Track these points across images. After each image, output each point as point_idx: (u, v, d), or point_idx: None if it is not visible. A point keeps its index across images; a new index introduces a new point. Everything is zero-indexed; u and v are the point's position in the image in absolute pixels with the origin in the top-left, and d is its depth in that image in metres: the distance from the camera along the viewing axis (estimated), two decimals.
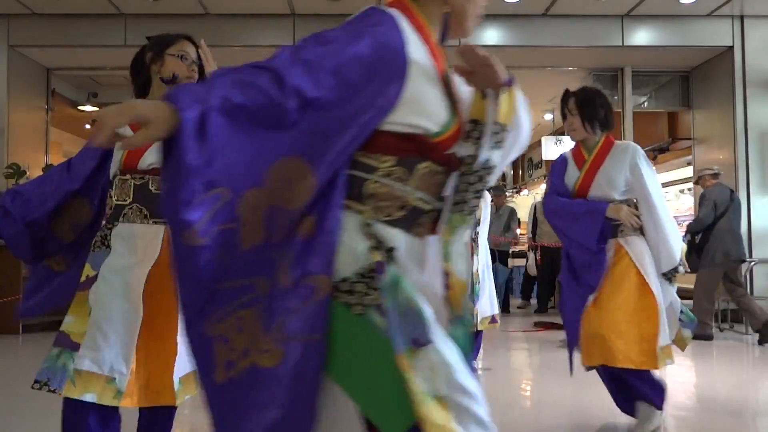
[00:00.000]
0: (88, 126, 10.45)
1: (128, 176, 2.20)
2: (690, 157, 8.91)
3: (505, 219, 8.56)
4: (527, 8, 7.43)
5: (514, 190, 15.69)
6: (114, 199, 2.23)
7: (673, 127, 9.49)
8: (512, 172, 17.14)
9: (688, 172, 9.28)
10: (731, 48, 7.73)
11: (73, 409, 2.18)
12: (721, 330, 6.78)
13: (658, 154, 9.76)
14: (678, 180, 10.10)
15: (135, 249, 2.13)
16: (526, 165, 15.88)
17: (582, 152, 3.27)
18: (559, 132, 11.64)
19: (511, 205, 10.02)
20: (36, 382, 2.14)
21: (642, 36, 7.71)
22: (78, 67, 8.53)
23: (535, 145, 13.57)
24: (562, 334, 6.67)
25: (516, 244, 9.11)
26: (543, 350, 5.94)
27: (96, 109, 9.69)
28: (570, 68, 8.68)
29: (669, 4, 7.28)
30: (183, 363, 2.12)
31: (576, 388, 4.43)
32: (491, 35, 7.69)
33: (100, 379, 2.07)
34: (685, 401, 4.03)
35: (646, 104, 8.83)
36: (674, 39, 7.72)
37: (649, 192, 3.13)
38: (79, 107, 9.60)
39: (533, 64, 8.53)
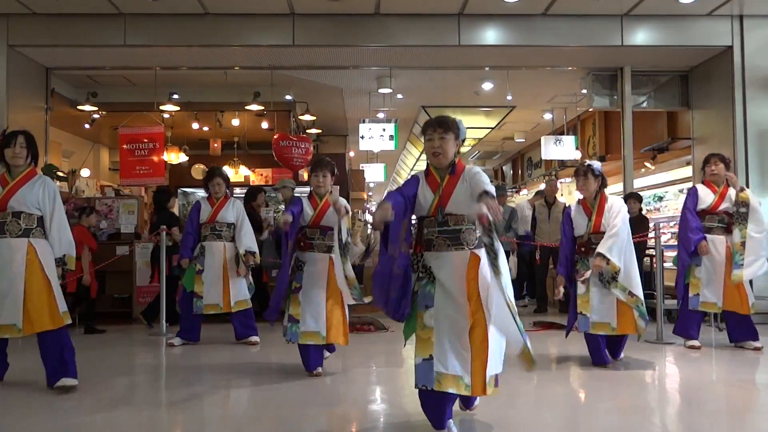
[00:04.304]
0: (87, 125, 10.45)
1: None
2: (689, 156, 8.91)
3: (506, 219, 8.56)
4: (527, 8, 7.43)
5: (514, 190, 15.71)
6: None
7: (672, 126, 9.50)
8: (512, 172, 17.16)
9: (687, 171, 9.29)
10: (730, 48, 7.73)
11: None
12: (721, 330, 6.78)
13: (657, 153, 9.76)
14: (677, 180, 10.10)
15: None
16: (525, 164, 15.89)
17: None
18: (558, 132, 11.65)
19: (511, 204, 10.02)
20: None
21: (641, 36, 7.70)
22: (77, 67, 8.53)
23: (535, 144, 13.58)
24: (561, 334, 6.68)
25: (514, 250, 9.10)
26: (542, 350, 5.94)
27: (95, 108, 9.70)
28: (569, 68, 8.68)
29: (668, 4, 7.28)
30: None
31: (576, 387, 4.44)
32: (491, 35, 7.68)
33: None
34: (685, 401, 4.03)
35: (645, 104, 8.83)
36: (673, 39, 7.71)
37: None
38: (79, 107, 9.60)
39: (533, 63, 8.53)
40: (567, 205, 9.15)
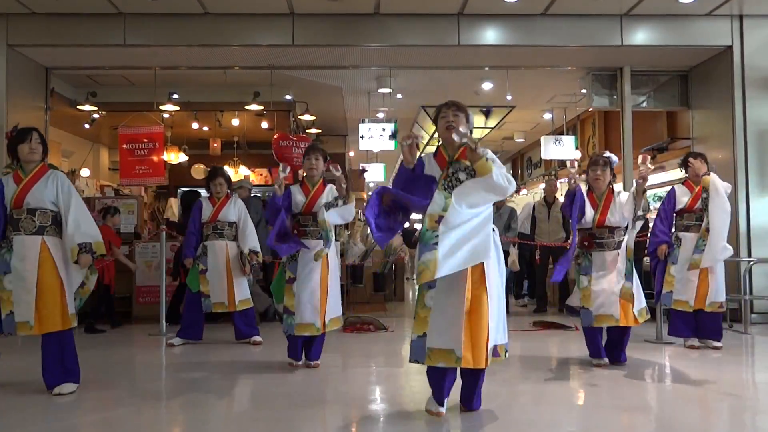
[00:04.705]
0: (86, 125, 10.45)
1: None
2: None
3: (505, 219, 8.55)
4: (526, 8, 7.43)
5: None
6: None
7: (672, 126, 9.50)
8: (512, 172, 17.16)
9: None
10: (730, 47, 7.73)
11: None
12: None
13: (657, 153, 9.76)
14: (677, 180, 10.09)
15: None
16: (525, 164, 15.90)
17: None
18: (557, 131, 11.64)
19: (510, 204, 10.03)
20: None
21: (641, 35, 7.71)
22: (77, 67, 8.53)
23: (535, 144, 13.58)
24: (561, 334, 6.69)
25: (515, 243, 9.13)
26: (542, 350, 5.94)
27: (95, 108, 9.69)
28: (569, 68, 8.69)
29: (668, 4, 7.28)
30: None
31: (576, 387, 4.44)
32: (490, 35, 7.69)
33: None
34: (685, 400, 4.03)
35: (645, 104, 8.84)
36: (673, 38, 7.72)
37: None
38: (78, 107, 9.60)
39: (532, 63, 8.53)
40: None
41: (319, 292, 4.64)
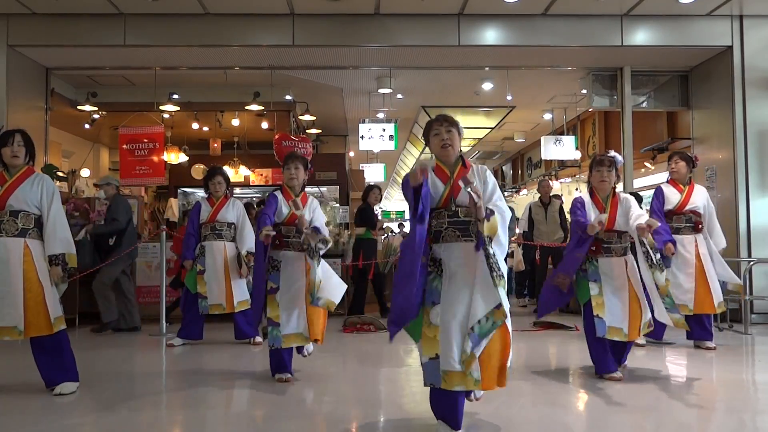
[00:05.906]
0: (87, 126, 10.46)
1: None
2: None
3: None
4: (527, 8, 7.43)
5: (514, 190, 15.71)
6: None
7: (672, 126, 9.51)
8: (512, 172, 17.16)
9: None
10: (730, 48, 7.73)
11: None
12: (720, 330, 6.79)
13: (657, 153, 9.77)
14: None
15: None
16: (525, 165, 15.89)
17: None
18: (558, 132, 11.65)
19: (510, 204, 10.04)
20: None
21: (641, 36, 7.71)
22: (77, 67, 8.53)
23: (535, 144, 13.59)
24: (561, 334, 6.69)
25: (519, 244, 9.14)
26: (542, 350, 5.94)
27: (95, 108, 9.69)
28: (569, 68, 8.69)
29: (668, 4, 7.29)
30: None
31: (576, 387, 4.43)
32: (491, 35, 7.69)
33: None
34: (685, 400, 4.03)
35: (645, 104, 8.84)
36: (673, 39, 7.72)
37: None
38: (78, 107, 9.61)
39: (532, 63, 8.54)
40: (562, 203, 9.16)
41: (304, 301, 4.33)
